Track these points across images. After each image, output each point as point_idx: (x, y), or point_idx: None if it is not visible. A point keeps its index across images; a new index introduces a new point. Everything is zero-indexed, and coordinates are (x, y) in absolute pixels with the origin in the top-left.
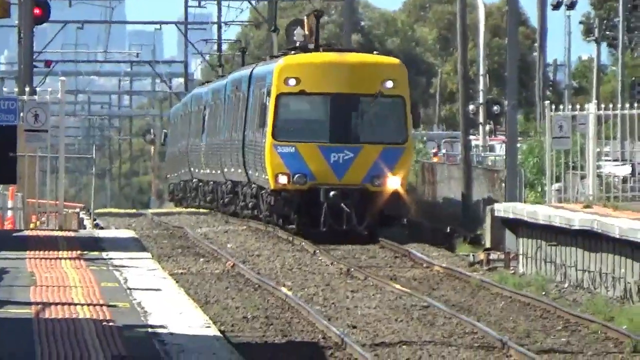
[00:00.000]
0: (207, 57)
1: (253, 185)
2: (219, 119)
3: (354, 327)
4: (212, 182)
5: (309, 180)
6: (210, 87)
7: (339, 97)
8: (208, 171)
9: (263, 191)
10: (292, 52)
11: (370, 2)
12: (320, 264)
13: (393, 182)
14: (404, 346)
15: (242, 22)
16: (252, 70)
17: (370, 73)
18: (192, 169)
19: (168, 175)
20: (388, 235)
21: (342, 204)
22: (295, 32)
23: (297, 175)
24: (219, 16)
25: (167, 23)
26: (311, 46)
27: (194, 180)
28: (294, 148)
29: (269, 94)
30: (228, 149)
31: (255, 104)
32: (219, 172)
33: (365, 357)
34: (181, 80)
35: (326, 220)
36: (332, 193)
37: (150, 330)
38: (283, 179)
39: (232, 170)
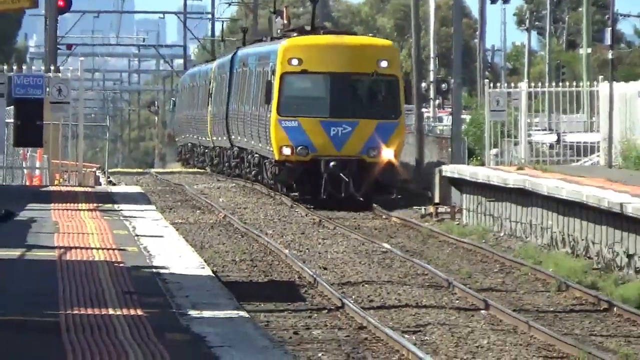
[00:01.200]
0: (202, 42)
1: (256, 155)
2: (225, 92)
3: (325, 268)
4: (218, 148)
5: (311, 151)
6: (217, 63)
7: (337, 76)
8: (215, 138)
9: (267, 161)
10: (295, 34)
11: None
12: (296, 215)
13: (387, 154)
14: (366, 285)
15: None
16: (254, 51)
17: (366, 54)
18: (198, 136)
19: (177, 138)
20: (380, 201)
21: (340, 174)
22: (276, 20)
23: (299, 147)
24: (213, 7)
25: (169, 13)
26: (308, 28)
27: (201, 146)
28: (297, 122)
29: (273, 72)
30: (234, 119)
31: (260, 81)
32: (225, 138)
33: (333, 294)
34: (181, 61)
35: (326, 189)
36: (331, 163)
37: (154, 270)
38: (287, 151)
39: (239, 138)
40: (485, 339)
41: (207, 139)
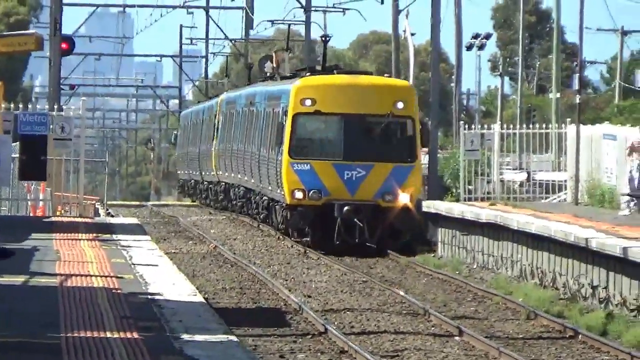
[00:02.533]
0: (196, 83)
1: (264, 197)
2: (231, 130)
3: (309, 296)
4: (223, 184)
5: (324, 195)
6: (224, 98)
7: (352, 117)
8: (220, 173)
9: (277, 204)
10: (307, 73)
11: (332, 43)
12: (282, 246)
13: (403, 198)
14: (348, 312)
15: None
16: (264, 89)
17: (382, 95)
18: (202, 172)
19: (179, 172)
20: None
21: (355, 219)
22: (265, 65)
23: (312, 191)
24: (207, 51)
25: (165, 56)
26: (318, 68)
27: (205, 182)
28: (309, 165)
29: (285, 113)
30: (241, 159)
31: (270, 122)
32: (231, 175)
33: (317, 320)
34: (176, 100)
35: (339, 234)
36: (345, 208)
37: (149, 296)
38: (299, 195)
39: (245, 178)
40: None
41: (213, 174)
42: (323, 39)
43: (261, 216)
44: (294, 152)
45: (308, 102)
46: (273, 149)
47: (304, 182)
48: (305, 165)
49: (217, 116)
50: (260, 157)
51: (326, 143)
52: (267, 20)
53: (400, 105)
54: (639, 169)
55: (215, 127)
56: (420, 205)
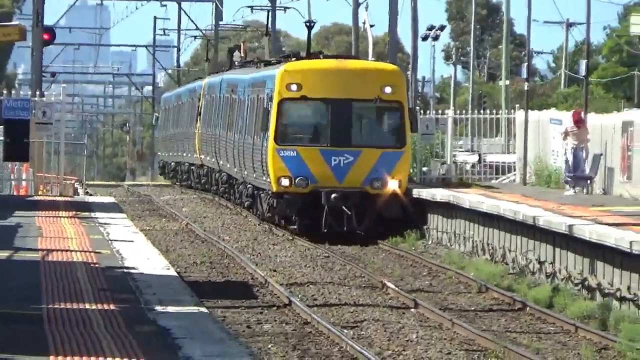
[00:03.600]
0: (169, 71)
1: (249, 185)
2: (214, 115)
3: (274, 270)
4: (206, 167)
5: (311, 183)
6: (205, 82)
7: (339, 102)
8: (202, 157)
9: (262, 192)
10: (293, 58)
11: (289, 32)
12: (250, 223)
13: (392, 185)
14: (311, 285)
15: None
16: (247, 76)
17: (370, 79)
18: (184, 153)
19: (159, 153)
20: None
21: (342, 207)
22: (234, 54)
23: (298, 178)
24: (178, 41)
25: (140, 46)
26: (303, 54)
27: (186, 163)
28: (295, 152)
29: (271, 99)
30: (223, 145)
31: (255, 107)
32: (213, 160)
33: (282, 293)
34: (150, 87)
35: (327, 222)
36: (333, 196)
37: (125, 270)
38: (285, 182)
39: (228, 165)
40: (414, 334)
41: (196, 156)
42: (308, 24)
43: (245, 204)
44: (280, 139)
45: (294, 87)
46: (258, 136)
47: (290, 169)
48: (292, 151)
49: (200, 99)
50: (245, 144)
51: (313, 129)
52: (247, 6)
53: (388, 89)
54: (573, 152)
55: (199, 110)
56: (410, 192)
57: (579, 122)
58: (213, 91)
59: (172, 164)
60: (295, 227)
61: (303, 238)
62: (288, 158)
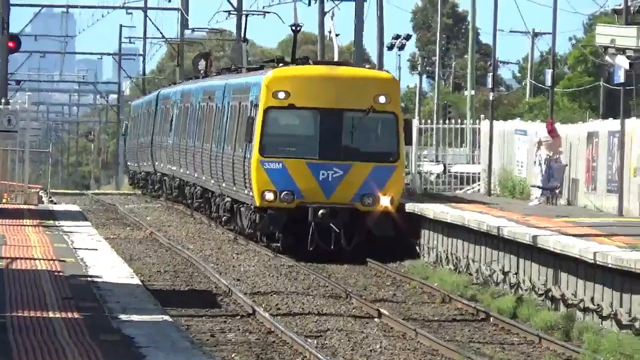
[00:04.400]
0: (134, 80)
1: (227, 199)
2: (188, 124)
3: (238, 279)
4: (178, 180)
5: (297, 198)
6: (178, 90)
7: (329, 112)
8: (175, 168)
9: (243, 206)
10: (281, 64)
11: (255, 41)
12: (214, 233)
13: (383, 202)
14: (274, 294)
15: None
16: (227, 82)
17: (363, 87)
18: (155, 163)
19: (129, 162)
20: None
21: (330, 224)
22: (200, 62)
23: (284, 193)
24: (144, 49)
25: (105, 54)
26: (288, 59)
27: (158, 173)
28: (281, 164)
29: (255, 107)
30: (199, 156)
31: (236, 116)
32: (187, 172)
33: (246, 302)
34: (115, 95)
35: (313, 240)
36: (320, 212)
37: (89, 279)
38: (269, 196)
39: (204, 178)
40: (378, 344)
41: (167, 166)
42: (294, 28)
43: (223, 219)
44: (264, 150)
45: (281, 95)
46: (240, 146)
47: (275, 182)
48: (277, 164)
49: (172, 108)
50: (224, 155)
51: (300, 140)
52: (224, 11)
53: (382, 99)
54: (546, 162)
55: (171, 119)
56: (403, 209)
57: (553, 132)
58: (187, 99)
59: (143, 173)
60: (279, 244)
61: (265, 248)
62: (273, 171)
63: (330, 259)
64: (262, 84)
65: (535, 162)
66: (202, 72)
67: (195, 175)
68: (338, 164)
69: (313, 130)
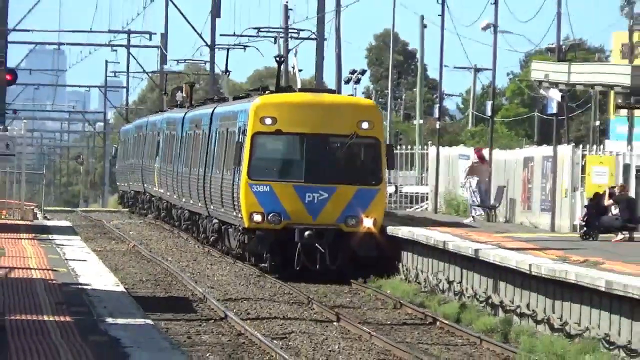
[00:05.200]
0: (118, 109)
1: (214, 220)
2: (174, 149)
3: (212, 287)
4: (165, 202)
5: (284, 219)
6: (164, 117)
7: (314, 137)
8: (162, 191)
9: (231, 228)
10: (268, 92)
11: (231, 75)
12: (191, 246)
13: (367, 223)
14: (244, 301)
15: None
16: (214, 110)
17: (346, 114)
18: (145, 184)
19: (119, 183)
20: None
21: (316, 244)
22: (177, 94)
23: (271, 214)
24: (127, 82)
25: (92, 87)
26: (272, 88)
27: (147, 194)
28: (269, 187)
29: (244, 132)
30: (186, 180)
31: (224, 142)
32: (175, 196)
33: (218, 307)
34: (101, 123)
35: (300, 260)
36: (306, 233)
37: (79, 286)
38: (257, 218)
39: (191, 201)
40: (337, 345)
41: (155, 188)
42: (278, 59)
43: (211, 239)
44: (253, 173)
45: (268, 121)
46: (228, 170)
47: (263, 204)
48: (265, 187)
49: (159, 134)
50: (212, 178)
51: (287, 164)
52: (206, 45)
53: (365, 125)
54: (478, 186)
55: (158, 144)
56: (385, 230)
57: (481, 159)
58: (173, 127)
59: (132, 192)
60: (266, 264)
61: (237, 260)
62: (261, 193)
63: (315, 279)
64: (250, 111)
65: (463, 184)
66: (179, 102)
67: (183, 199)
68: (323, 187)
69: (299, 154)
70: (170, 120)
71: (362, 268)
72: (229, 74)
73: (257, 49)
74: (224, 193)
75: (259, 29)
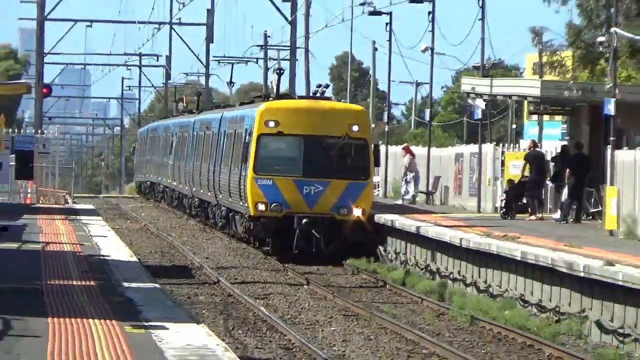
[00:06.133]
0: (132, 116)
1: (223, 208)
2: (187, 148)
3: (207, 258)
4: (178, 192)
5: (284, 208)
6: (177, 122)
7: (311, 138)
8: (175, 183)
9: (238, 215)
10: (271, 98)
11: (217, 89)
12: (190, 224)
13: (356, 212)
14: (233, 269)
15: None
16: (222, 114)
17: (339, 118)
18: (159, 177)
19: (136, 175)
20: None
21: (312, 230)
22: (179, 104)
23: (274, 204)
24: (139, 95)
25: (112, 98)
26: (273, 96)
27: (161, 185)
28: (271, 181)
29: (250, 134)
30: (197, 173)
31: (232, 142)
32: (186, 187)
33: (212, 274)
34: (119, 128)
35: (298, 244)
36: (304, 221)
37: (101, 257)
38: (261, 207)
39: (201, 191)
40: (307, 303)
41: (169, 181)
42: (278, 71)
43: (219, 224)
44: (258, 169)
45: (271, 124)
46: (235, 165)
47: (266, 195)
48: (268, 180)
49: (173, 136)
50: (221, 172)
51: (287, 161)
52: (215, 60)
53: (355, 128)
54: (414, 177)
55: (171, 144)
56: (372, 218)
57: (411, 153)
58: (185, 129)
59: (148, 183)
60: (269, 248)
61: (225, 234)
62: (265, 186)
63: (311, 261)
64: (255, 115)
65: (403, 178)
66: (180, 110)
67: (194, 189)
68: (319, 181)
69: (298, 153)
70: (182, 123)
71: (352, 251)
72: (233, 85)
73: (255, 61)
74: (232, 185)
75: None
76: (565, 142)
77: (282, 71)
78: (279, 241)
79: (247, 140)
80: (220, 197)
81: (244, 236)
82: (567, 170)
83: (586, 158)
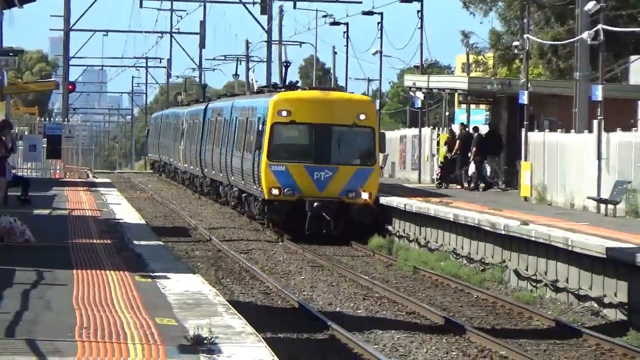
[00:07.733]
0: (141, 107)
1: (235, 188)
2: (197, 133)
3: (201, 220)
4: (190, 174)
5: (296, 193)
6: (187, 110)
7: (322, 126)
8: (186, 165)
9: (251, 197)
10: (282, 89)
11: (211, 85)
12: (189, 194)
13: (364, 196)
14: (222, 229)
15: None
16: (233, 103)
17: (347, 108)
18: (171, 159)
19: (149, 154)
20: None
21: (323, 213)
22: (178, 97)
23: (286, 189)
24: (146, 90)
25: (124, 93)
26: (280, 85)
27: (172, 165)
28: (284, 167)
29: (264, 122)
30: (209, 156)
31: (244, 129)
32: (197, 169)
33: (206, 233)
34: (129, 117)
35: (309, 226)
36: (315, 204)
37: (116, 220)
38: (275, 191)
39: (213, 172)
40: (282, 257)
41: (180, 163)
42: (285, 64)
43: (232, 203)
44: (271, 156)
45: (284, 113)
46: (248, 151)
47: (279, 181)
48: (281, 167)
49: (184, 122)
50: (233, 156)
51: (299, 148)
52: (222, 56)
53: (362, 117)
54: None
55: (182, 130)
56: (378, 201)
57: None
58: (196, 116)
59: (162, 162)
60: (282, 230)
61: (215, 201)
62: (278, 172)
63: (321, 241)
64: (269, 104)
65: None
66: (180, 102)
67: (206, 170)
68: (328, 167)
69: (309, 140)
70: (192, 112)
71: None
72: (238, 77)
73: (256, 60)
74: (245, 169)
75: (231, 55)
76: (486, 126)
77: (288, 64)
78: (292, 223)
79: (260, 129)
80: (233, 178)
81: (258, 218)
82: (474, 148)
83: (499, 137)
